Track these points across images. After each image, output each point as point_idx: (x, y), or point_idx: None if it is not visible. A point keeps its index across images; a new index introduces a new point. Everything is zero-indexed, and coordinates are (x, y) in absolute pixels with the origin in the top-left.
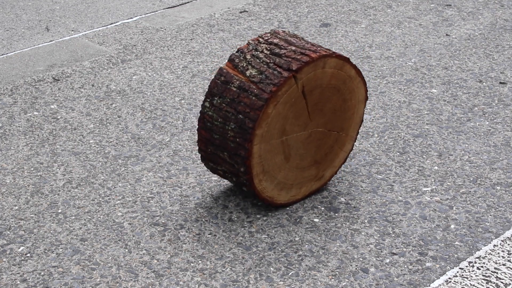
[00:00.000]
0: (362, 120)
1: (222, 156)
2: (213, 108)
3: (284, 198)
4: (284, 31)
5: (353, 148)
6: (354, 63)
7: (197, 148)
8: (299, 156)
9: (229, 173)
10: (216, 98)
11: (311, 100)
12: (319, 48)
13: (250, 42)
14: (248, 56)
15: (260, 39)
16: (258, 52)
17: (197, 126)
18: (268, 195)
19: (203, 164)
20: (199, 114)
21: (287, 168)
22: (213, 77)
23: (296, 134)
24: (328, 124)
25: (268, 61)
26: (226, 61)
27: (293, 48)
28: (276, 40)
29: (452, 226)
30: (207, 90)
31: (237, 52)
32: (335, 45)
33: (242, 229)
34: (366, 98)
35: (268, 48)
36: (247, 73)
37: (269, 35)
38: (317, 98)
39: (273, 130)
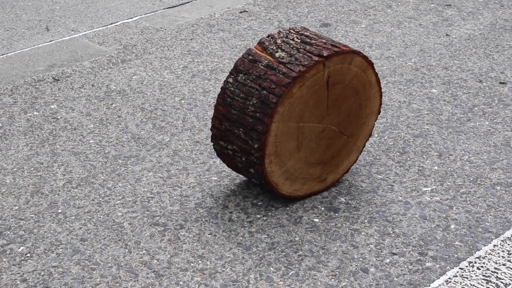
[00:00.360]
0: (371, 134)
1: (236, 133)
2: (236, 84)
3: (287, 190)
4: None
5: (357, 159)
6: None
7: (197, 148)
8: (310, 149)
9: (240, 151)
10: (241, 75)
11: (333, 94)
12: (348, 46)
13: (281, 30)
14: (279, 41)
15: (291, 30)
16: (289, 39)
17: (197, 126)
18: (274, 180)
19: (203, 164)
20: (201, 112)
21: (296, 158)
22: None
23: (312, 124)
24: (341, 125)
25: (299, 47)
26: (255, 44)
27: (324, 40)
28: (307, 33)
29: (452, 226)
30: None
31: (267, 37)
32: None
33: (242, 229)
34: (379, 112)
35: (299, 38)
36: (277, 55)
37: (299, 28)
38: (338, 94)
39: (293, 112)
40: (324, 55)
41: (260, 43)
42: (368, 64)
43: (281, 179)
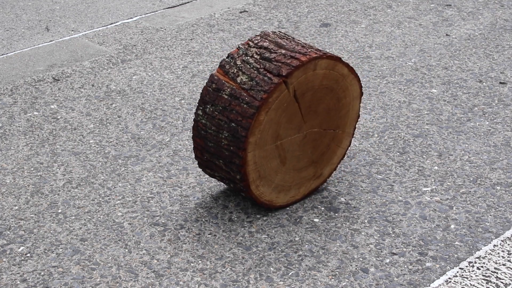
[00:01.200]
0: (359, 116)
1: (218, 164)
2: (206, 116)
3: (283, 200)
4: (274, 33)
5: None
6: (354, 63)
7: None
8: (295, 158)
9: (226, 179)
10: (208, 106)
11: (304, 103)
12: (309, 50)
13: (240, 46)
14: (239, 62)
15: (250, 42)
16: (248, 57)
17: None
18: (267, 199)
19: None
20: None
21: (284, 171)
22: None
23: (290, 137)
24: (323, 124)
25: (258, 66)
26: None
27: (283, 51)
28: (266, 43)
29: (452, 226)
30: (199, 98)
31: (227, 57)
32: (335, 45)
33: (242, 229)
34: (361, 94)
35: (258, 52)
36: (238, 79)
37: (259, 38)
38: (310, 100)
39: (267, 136)
40: (284, 74)
41: (221, 66)
42: (335, 61)
43: (274, 194)
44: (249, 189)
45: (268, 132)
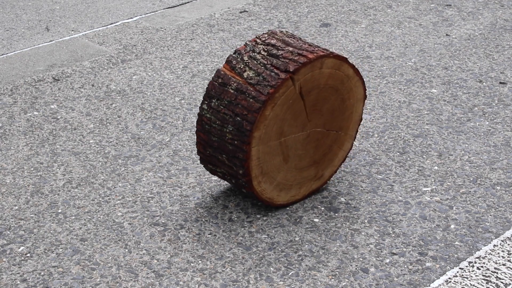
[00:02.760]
0: (361, 119)
1: (220, 159)
2: (211, 111)
3: (284, 199)
4: (281, 32)
5: (353, 148)
6: (354, 63)
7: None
8: (298, 156)
9: (228, 175)
10: (214, 100)
11: (309, 101)
12: (316, 49)
13: (248, 43)
14: (246, 58)
15: (257, 39)
16: (256, 54)
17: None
18: (268, 196)
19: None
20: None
21: (286, 169)
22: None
23: (294, 135)
24: (326, 124)
25: (266, 62)
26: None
27: (291, 48)
28: (273, 41)
29: (452, 226)
30: (204, 92)
31: (234, 53)
32: (335, 45)
33: (242, 229)
34: (365, 97)
35: (266, 49)
36: (245, 74)
37: (266, 35)
38: (315, 99)
39: (271, 132)
40: (291, 70)
41: (228, 61)
42: (341, 61)
43: (275, 192)
44: (251, 184)
45: (273, 128)
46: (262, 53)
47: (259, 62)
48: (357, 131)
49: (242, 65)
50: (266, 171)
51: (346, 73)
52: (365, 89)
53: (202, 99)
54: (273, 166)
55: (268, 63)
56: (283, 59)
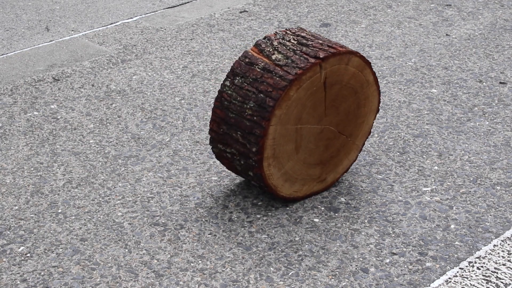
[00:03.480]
0: (370, 132)
1: (234, 136)
2: (233, 87)
3: (287, 191)
4: (309, 31)
5: (357, 157)
6: None
7: (197, 148)
8: (309, 150)
9: (238, 155)
10: (238, 78)
11: (330, 94)
12: (345, 46)
13: (278, 32)
14: (275, 43)
15: (287, 31)
16: (286, 41)
17: (197, 126)
18: (273, 182)
19: (203, 164)
20: (201, 112)
21: (295, 160)
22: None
23: (310, 125)
24: (340, 125)
25: (295, 48)
26: (251, 46)
27: (320, 41)
28: (303, 34)
29: (452, 226)
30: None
31: (264, 38)
32: None
33: (242, 229)
34: (378, 110)
35: (296, 39)
36: (273, 57)
37: (296, 29)
38: (336, 94)
39: (291, 115)
40: (321, 56)
41: (257, 45)
42: (365, 63)
43: (280, 181)
44: (261, 165)
45: (293, 111)
46: (292, 41)
47: (288, 48)
48: (363, 143)
49: (271, 49)
50: (277, 155)
51: (367, 78)
52: (380, 102)
53: (226, 76)
54: (285, 152)
55: (298, 49)
56: (312, 47)
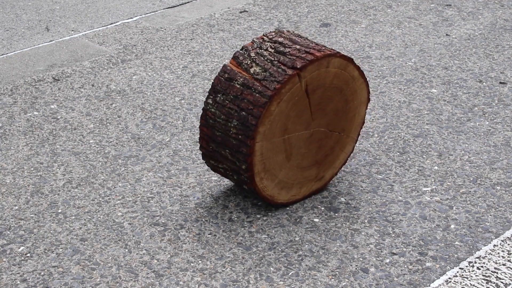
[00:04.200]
0: (364, 122)
1: (223, 154)
2: (216, 105)
3: (284, 198)
4: (288, 31)
5: (353, 149)
6: None
7: (197, 148)
8: (301, 155)
9: (230, 171)
10: (219, 95)
11: (314, 100)
12: (323, 48)
13: (255, 40)
14: (253, 54)
15: (264, 37)
16: (263, 50)
17: (197, 126)
18: (269, 193)
19: (203, 164)
20: (201, 112)
21: (288, 167)
22: (216, 75)
23: (298, 133)
24: (330, 125)
25: (273, 58)
26: (230, 58)
27: (298, 47)
28: (281, 39)
29: (452, 226)
30: (210, 87)
31: (241, 49)
32: (335, 45)
33: (242, 229)
34: (368, 100)
35: (273, 46)
36: (251, 70)
37: (273, 34)
38: (320, 98)
39: (275, 128)
40: (298, 66)
41: (235, 57)
42: (347, 61)
43: (276, 190)
44: (253, 180)
45: (277, 124)
46: (269, 50)
47: (266, 58)
48: (359, 134)
49: (249, 61)
50: (268, 167)
51: (352, 74)
52: (369, 92)
53: (208, 93)
54: (276, 163)
55: (275, 59)
56: (290, 56)
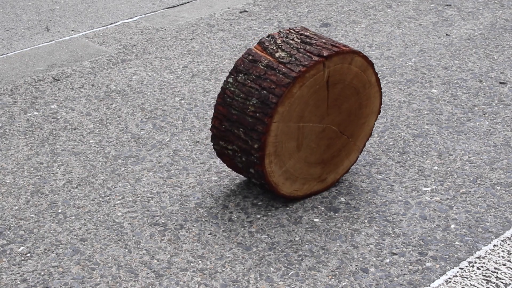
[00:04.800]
0: (371, 134)
1: (236, 133)
2: (236, 84)
3: (287, 190)
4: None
5: (357, 159)
6: None
7: (197, 148)
8: (310, 149)
9: (240, 152)
10: (241, 75)
11: (333, 94)
12: (348, 46)
13: (281, 30)
14: (279, 41)
15: (291, 30)
16: (289, 39)
17: (197, 126)
18: (274, 180)
19: (203, 164)
20: (201, 112)
21: (296, 158)
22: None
23: (312, 124)
24: (341, 125)
25: (299, 47)
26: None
27: (324, 40)
28: (307, 33)
29: (452, 226)
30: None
31: (267, 37)
32: None
33: (242, 229)
34: (379, 112)
35: (299, 38)
36: (277, 55)
37: (299, 28)
38: (338, 93)
39: (293, 112)
40: (324, 55)
41: (260, 43)
42: (368, 64)
43: (281, 179)
44: (263, 162)
45: (296, 109)
46: (296, 40)
47: (292, 46)
48: (364, 145)
49: (275, 47)
50: (279, 152)
51: (370, 78)
52: (381, 104)
53: (229, 73)
54: (286, 150)
55: (301, 48)
56: (316, 46)
